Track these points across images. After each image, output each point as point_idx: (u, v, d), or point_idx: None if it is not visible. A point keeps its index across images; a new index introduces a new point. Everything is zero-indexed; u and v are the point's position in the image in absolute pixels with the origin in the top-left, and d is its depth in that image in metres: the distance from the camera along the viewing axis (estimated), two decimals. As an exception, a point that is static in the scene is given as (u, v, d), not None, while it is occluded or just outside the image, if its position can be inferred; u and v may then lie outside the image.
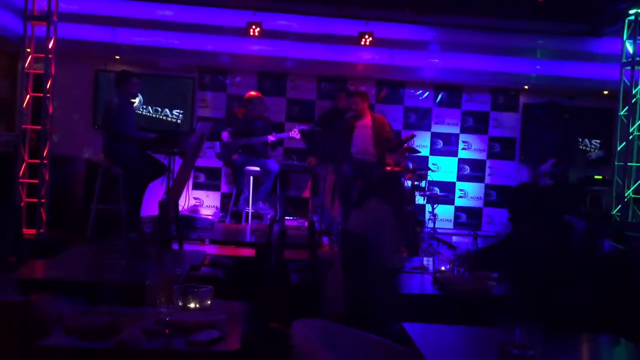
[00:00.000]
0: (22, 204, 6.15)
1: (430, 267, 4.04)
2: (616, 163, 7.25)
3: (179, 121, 7.95)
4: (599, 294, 3.31)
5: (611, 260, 4.10)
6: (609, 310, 3.19)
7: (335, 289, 3.63)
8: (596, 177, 7.90)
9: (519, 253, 3.51)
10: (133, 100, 6.82)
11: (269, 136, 7.08)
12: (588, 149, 8.38)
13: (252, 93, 7.27)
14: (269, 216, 7.37)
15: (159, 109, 7.93)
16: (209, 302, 2.67)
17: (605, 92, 8.05)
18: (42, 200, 6.27)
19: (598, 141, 8.39)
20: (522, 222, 3.65)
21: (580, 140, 8.35)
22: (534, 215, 3.46)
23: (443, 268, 3.84)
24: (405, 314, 3.02)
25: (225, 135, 7.11)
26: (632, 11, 6.98)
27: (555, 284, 3.12)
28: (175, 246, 4.99)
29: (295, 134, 6.87)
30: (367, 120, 6.58)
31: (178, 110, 7.96)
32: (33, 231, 6.16)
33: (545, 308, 2.88)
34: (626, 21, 7.09)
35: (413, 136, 7.02)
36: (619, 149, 7.22)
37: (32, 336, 2.06)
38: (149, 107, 7.90)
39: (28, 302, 1.86)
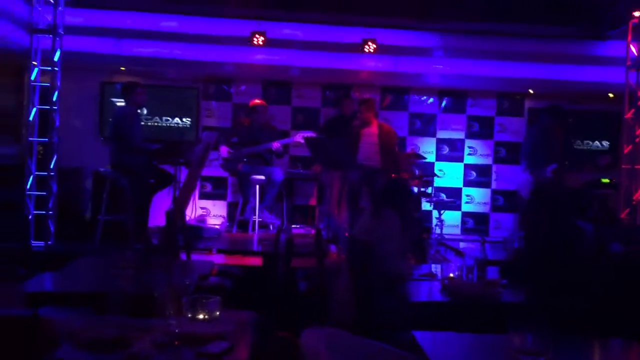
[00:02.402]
0: (30, 216, 6.17)
1: (439, 274, 4.03)
2: (623, 166, 7.22)
3: (184, 131, 7.97)
4: (610, 298, 3.29)
5: (621, 263, 4.07)
6: (620, 314, 3.16)
7: (343, 297, 3.62)
8: (603, 180, 7.85)
9: (534, 258, 3.49)
10: (139, 111, 6.85)
11: (273, 143, 7.07)
12: (597, 148, 8.32)
13: (257, 101, 7.29)
14: (276, 225, 7.38)
15: (165, 120, 7.95)
16: (217, 313, 2.66)
17: (611, 95, 8.03)
18: (50, 212, 6.29)
19: (607, 143, 8.36)
20: (537, 226, 3.63)
21: (589, 142, 8.32)
22: (549, 219, 3.44)
23: (451, 275, 3.83)
24: (415, 321, 3.01)
25: (224, 149, 7.10)
26: (636, 14, 6.97)
27: (567, 288, 3.10)
28: (183, 256, 4.99)
29: (299, 138, 6.87)
30: (374, 128, 6.59)
31: (183, 120, 7.98)
32: (41, 243, 6.17)
33: (558, 313, 2.86)
34: (630, 24, 7.07)
35: (419, 156, 7.12)
36: (625, 152, 7.19)
37: (40, 350, 2.06)
38: (155, 118, 7.93)
39: (37, 316, 1.86)
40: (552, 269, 3.45)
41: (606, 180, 7.79)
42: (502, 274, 4.05)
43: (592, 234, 4.64)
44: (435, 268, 4.48)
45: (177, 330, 2.36)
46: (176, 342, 2.31)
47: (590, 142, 8.40)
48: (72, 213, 6.98)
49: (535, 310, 3.02)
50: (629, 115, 7.18)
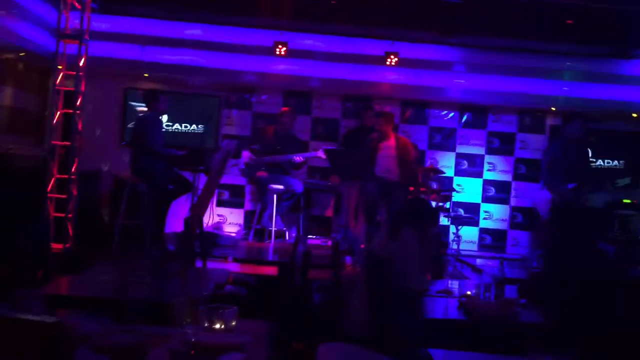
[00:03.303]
0: (50, 219, 6.24)
1: (456, 291, 4.00)
2: (645, 187, 7.14)
3: (204, 138, 8.02)
4: (630, 322, 3.23)
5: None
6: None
7: (359, 311, 3.60)
8: (625, 200, 7.75)
9: (553, 279, 3.45)
10: (161, 118, 6.92)
11: (295, 156, 7.09)
12: (615, 167, 8.21)
13: (286, 108, 7.38)
14: (292, 234, 7.38)
15: (185, 126, 8.01)
16: (234, 323, 2.66)
17: (634, 115, 7.94)
18: (69, 216, 6.34)
19: (626, 162, 8.24)
20: (557, 247, 3.58)
21: (609, 162, 8.22)
22: (569, 240, 3.40)
23: (469, 292, 3.79)
24: (430, 339, 2.98)
25: (245, 154, 7.15)
26: (662, 34, 6.91)
27: (587, 311, 3.05)
28: (199, 263, 5.01)
29: (321, 153, 6.89)
30: (391, 141, 6.59)
31: (203, 127, 8.03)
32: (59, 246, 6.23)
33: (577, 336, 2.81)
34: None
35: (437, 170, 7.11)
36: (648, 172, 7.10)
37: (59, 354, 2.07)
38: (176, 124, 7.99)
39: (60, 323, 1.88)
40: (572, 290, 3.40)
41: (628, 201, 7.69)
42: (521, 294, 4.01)
43: (614, 256, 4.57)
44: (452, 284, 4.45)
45: (193, 340, 2.36)
46: (192, 352, 2.31)
47: (610, 162, 8.29)
48: (91, 217, 7.04)
49: (554, 333, 2.97)
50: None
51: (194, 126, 8.02)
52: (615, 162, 8.29)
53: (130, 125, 7.41)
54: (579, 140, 6.42)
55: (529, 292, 3.96)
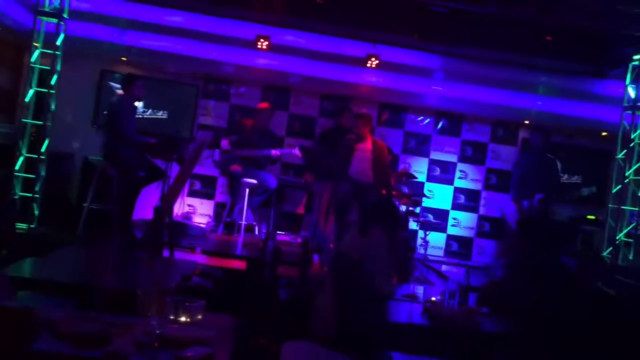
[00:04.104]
0: (16, 198, 6.12)
1: (421, 296, 4.05)
2: (610, 205, 7.30)
3: (179, 127, 7.93)
4: (589, 336, 3.31)
5: (602, 302, 4.10)
6: (598, 352, 3.19)
7: (325, 310, 3.62)
8: (589, 216, 7.93)
9: (515, 289, 3.51)
10: (137, 104, 6.83)
11: (272, 150, 7.09)
12: (580, 183, 8.38)
13: (265, 104, 7.34)
14: (262, 230, 7.37)
15: (161, 114, 7.92)
16: (200, 317, 2.66)
17: (604, 134, 8.11)
18: (36, 196, 6.23)
19: (588, 177, 8.38)
20: (521, 257, 3.65)
21: (576, 177, 8.38)
22: (534, 251, 3.46)
23: (433, 298, 3.84)
24: (395, 341, 3.02)
25: (225, 143, 7.11)
26: (636, 56, 7.06)
27: (547, 323, 3.12)
28: (166, 253, 4.97)
29: (296, 151, 6.89)
30: (368, 144, 6.62)
31: (179, 116, 7.95)
32: (24, 226, 6.11)
33: (537, 347, 2.87)
34: (630, 65, 7.17)
35: (410, 175, 7.19)
36: (613, 191, 7.26)
37: (21, 339, 2.04)
38: (152, 111, 7.90)
39: (29, 310, 1.85)
40: (533, 302, 3.47)
41: (592, 217, 7.87)
42: (481, 301, 4.07)
43: (576, 270, 4.67)
44: (418, 289, 4.50)
45: (157, 331, 2.35)
46: (156, 344, 2.29)
47: (576, 177, 8.43)
48: (58, 198, 6.92)
49: (515, 342, 3.03)
50: (620, 155, 7.25)
51: (169, 114, 7.93)
52: (581, 178, 8.44)
53: (105, 109, 7.30)
54: (542, 152, 6.56)
55: (489, 301, 4.03)
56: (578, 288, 4.14)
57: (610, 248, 7.12)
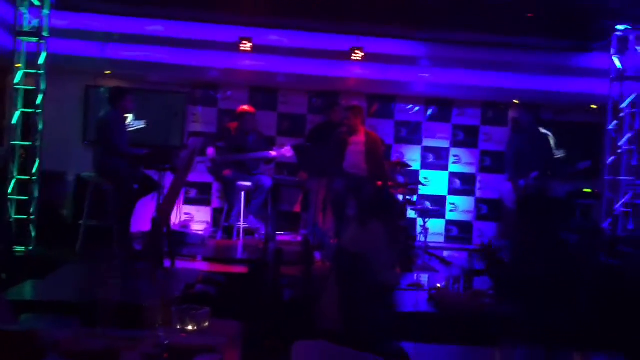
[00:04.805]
0: (11, 221, 6.08)
1: (425, 284, 4.04)
2: (606, 177, 7.31)
3: (169, 136, 7.91)
4: (595, 310, 3.31)
5: (605, 275, 4.11)
6: (606, 326, 3.19)
7: (330, 306, 3.61)
8: (585, 190, 7.93)
9: (521, 269, 3.51)
10: (126, 116, 6.79)
11: (270, 152, 7.06)
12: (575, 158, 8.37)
13: (245, 108, 7.26)
14: (262, 231, 7.35)
15: (150, 124, 7.88)
16: (206, 324, 2.64)
17: (594, 107, 8.12)
18: (32, 217, 6.19)
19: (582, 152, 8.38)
20: (522, 237, 3.65)
21: (570, 153, 8.38)
22: (534, 230, 3.46)
23: (438, 285, 3.84)
24: (404, 331, 3.01)
25: (210, 151, 7.07)
26: (620, 27, 7.07)
27: (553, 300, 3.12)
28: (167, 263, 4.95)
29: (287, 151, 6.87)
30: (361, 136, 6.60)
31: (169, 125, 7.91)
32: (22, 248, 6.08)
33: (546, 325, 2.87)
34: (614, 36, 7.17)
35: (404, 164, 7.15)
36: (608, 162, 7.28)
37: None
38: (141, 122, 7.86)
39: (32, 332, 1.83)
40: (538, 280, 3.47)
41: (588, 190, 7.88)
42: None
43: (576, 245, 4.68)
44: (422, 277, 4.50)
45: (166, 342, 2.33)
46: (165, 355, 2.28)
47: (570, 152, 8.43)
48: (53, 218, 6.88)
49: (523, 323, 3.03)
50: (611, 126, 7.26)
51: (158, 123, 7.89)
52: (574, 152, 8.43)
53: (94, 124, 7.26)
54: (533, 129, 6.56)
55: (495, 282, 4.03)
56: (579, 263, 4.15)
57: (610, 219, 7.14)
